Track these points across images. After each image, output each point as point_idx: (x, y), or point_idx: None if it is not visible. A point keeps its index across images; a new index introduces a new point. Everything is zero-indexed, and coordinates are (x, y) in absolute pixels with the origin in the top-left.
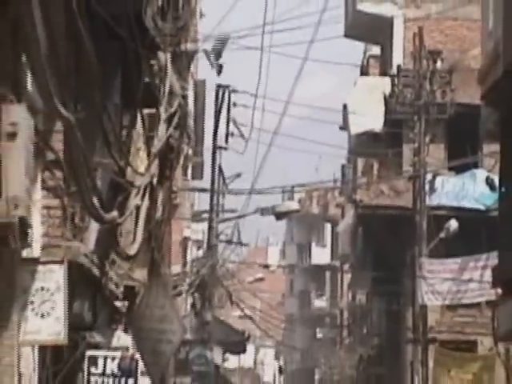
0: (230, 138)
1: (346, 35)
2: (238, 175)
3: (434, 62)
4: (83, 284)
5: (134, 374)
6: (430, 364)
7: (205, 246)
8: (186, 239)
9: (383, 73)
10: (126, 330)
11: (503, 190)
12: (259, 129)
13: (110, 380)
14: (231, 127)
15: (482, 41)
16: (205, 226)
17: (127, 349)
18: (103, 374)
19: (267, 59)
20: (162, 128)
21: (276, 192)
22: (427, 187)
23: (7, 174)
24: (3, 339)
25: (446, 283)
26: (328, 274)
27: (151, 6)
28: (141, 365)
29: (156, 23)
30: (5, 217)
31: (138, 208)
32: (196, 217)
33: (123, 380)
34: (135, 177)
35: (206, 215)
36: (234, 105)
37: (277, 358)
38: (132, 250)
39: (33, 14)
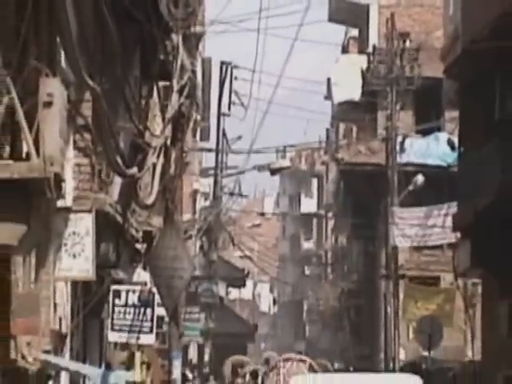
0: (232, 107)
1: (330, 20)
2: (239, 137)
3: (404, 42)
4: (108, 229)
5: (152, 304)
6: (401, 296)
7: (211, 197)
8: (195, 191)
9: (361, 51)
10: (144, 268)
11: (462, 149)
12: (257, 99)
13: (131, 310)
14: (233, 97)
15: (444, 24)
16: (211, 180)
17: (145, 284)
18: (125, 304)
19: (263, 40)
20: (174, 97)
21: (271, 151)
22: (398, 147)
23: (44, 136)
24: (41, 275)
25: (413, 228)
26: (315, 221)
27: None
28: (157, 297)
29: (169, 9)
30: (42, 173)
31: (154, 165)
32: (203, 172)
33: (142, 310)
34: (152, 139)
35: (211, 171)
36: (236, 78)
37: (271, 291)
38: (149, 201)
39: (65, 1)
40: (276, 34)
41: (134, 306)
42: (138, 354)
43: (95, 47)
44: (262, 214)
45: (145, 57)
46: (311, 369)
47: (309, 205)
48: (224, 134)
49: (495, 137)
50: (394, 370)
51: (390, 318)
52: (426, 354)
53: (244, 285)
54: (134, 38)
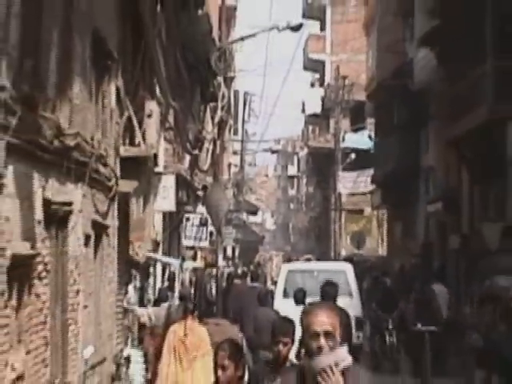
0: (250, 117)
1: (304, 69)
2: (254, 134)
3: (344, 80)
4: (183, 183)
5: (206, 224)
6: (342, 220)
7: (239, 166)
8: (230, 163)
9: (321, 85)
10: (202, 204)
11: (375, 140)
12: (264, 112)
13: (195, 227)
14: (250, 112)
15: (366, 71)
16: (238, 157)
17: (203, 213)
18: (192, 225)
19: (267, 80)
20: (218, 111)
21: (271, 141)
22: (341, 139)
23: (148, 133)
24: (146, 209)
25: (350, 183)
26: (295, 179)
27: (214, 56)
28: (209, 220)
29: (216, 63)
30: (146, 153)
31: (207, 149)
32: (235, 153)
33: (201, 227)
34: (206, 134)
35: (239, 152)
36: (252, 101)
37: (272, 217)
38: (205, 168)
39: (158, 58)
40: (274, 76)
41: (196, 225)
42: (199, 252)
43: (175, 83)
44: (267, 176)
45: (202, 89)
46: (289, 259)
47: (292, 170)
48: (246, 132)
49: (394, 134)
50: (338, 260)
51: (336, 232)
52: (356, 251)
53: (256, 213)
54: (197, 79)
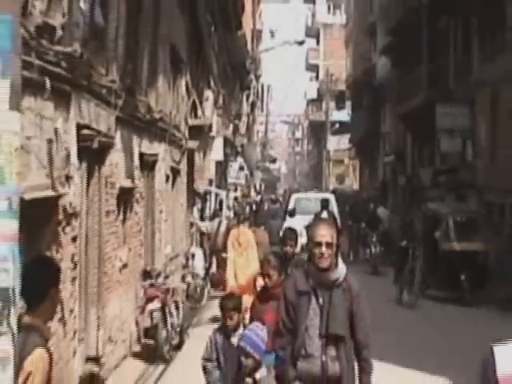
0: (271, 102)
1: (306, 69)
2: (273, 111)
3: (332, 77)
4: (228, 143)
5: (243, 169)
6: (330, 167)
7: (263, 132)
8: (258, 131)
9: (316, 80)
10: (241, 156)
11: (352, 115)
12: (279, 97)
13: (236, 171)
14: (271, 97)
15: (346, 71)
16: (263, 126)
17: (240, 162)
18: (234, 169)
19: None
20: (251, 96)
21: (284, 115)
22: (330, 114)
23: (205, 110)
24: (205, 158)
25: (335, 143)
26: (300, 141)
27: (248, 61)
28: (245, 166)
29: (249, 66)
30: (204, 123)
31: (244, 121)
32: (261, 124)
33: (240, 171)
34: (243, 111)
35: (264, 123)
36: (271, 91)
37: (285, 165)
38: (242, 132)
39: (213, 62)
40: (287, 74)
41: (237, 170)
42: (238, 187)
43: (223, 78)
44: (281, 138)
45: (241, 82)
46: (297, 191)
47: (298, 134)
48: (268, 110)
49: (363, 111)
50: (327, 192)
51: (326, 174)
52: (339, 186)
53: (275, 162)
54: (237, 75)
